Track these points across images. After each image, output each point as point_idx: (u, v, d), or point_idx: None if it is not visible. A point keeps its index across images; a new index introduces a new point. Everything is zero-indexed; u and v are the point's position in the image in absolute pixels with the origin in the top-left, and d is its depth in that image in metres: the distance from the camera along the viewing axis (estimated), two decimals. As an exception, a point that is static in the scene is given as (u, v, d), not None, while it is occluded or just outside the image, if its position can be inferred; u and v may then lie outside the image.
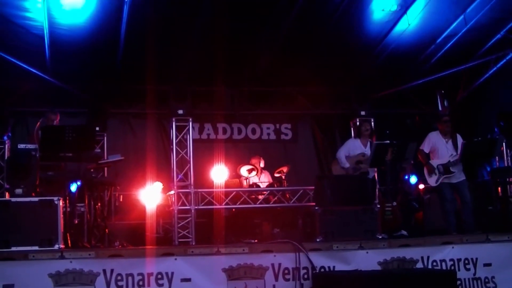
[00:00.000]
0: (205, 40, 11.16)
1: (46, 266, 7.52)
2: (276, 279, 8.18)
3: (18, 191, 9.00)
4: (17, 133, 12.50)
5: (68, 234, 8.79)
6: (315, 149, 14.56)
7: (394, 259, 8.57)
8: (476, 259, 8.78)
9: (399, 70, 13.22)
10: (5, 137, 11.83)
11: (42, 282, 7.44)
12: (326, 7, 10.87)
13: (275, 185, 12.22)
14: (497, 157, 12.52)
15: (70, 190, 9.44)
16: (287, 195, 11.73)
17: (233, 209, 11.83)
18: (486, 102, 13.47)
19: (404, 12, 11.22)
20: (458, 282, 8.42)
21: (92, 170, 10.28)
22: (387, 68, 12.96)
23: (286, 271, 8.23)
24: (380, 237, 9.44)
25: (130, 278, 7.72)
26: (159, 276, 7.81)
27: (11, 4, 10.01)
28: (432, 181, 10.53)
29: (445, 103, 14.06)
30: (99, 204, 10.12)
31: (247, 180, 12.20)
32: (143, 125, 13.37)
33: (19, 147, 10.11)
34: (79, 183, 9.62)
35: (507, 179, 11.93)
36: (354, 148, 10.76)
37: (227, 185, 12.13)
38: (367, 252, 8.55)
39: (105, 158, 11.27)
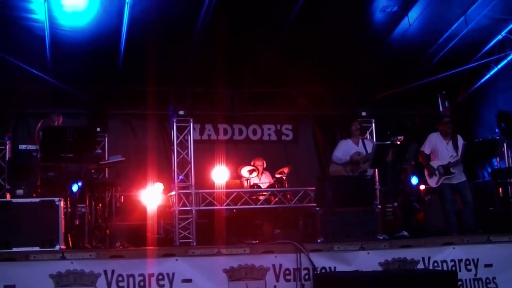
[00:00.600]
0: (205, 41, 11.17)
1: (47, 267, 7.52)
2: (277, 279, 8.18)
3: (19, 192, 8.99)
4: (18, 134, 12.50)
5: (69, 234, 8.79)
6: (316, 150, 14.55)
7: (395, 260, 8.57)
8: (477, 259, 8.77)
9: (400, 71, 13.24)
10: (6, 138, 11.83)
11: (43, 283, 7.44)
12: (326, 8, 10.88)
13: (276, 186, 12.21)
14: (498, 158, 12.54)
15: (71, 191, 9.43)
16: (288, 196, 11.72)
17: (234, 210, 11.82)
18: (487, 103, 13.47)
19: (405, 13, 11.23)
20: (459, 283, 8.42)
21: (93, 171, 10.28)
22: (388, 69, 12.97)
23: (287, 272, 8.23)
24: (381, 237, 9.43)
25: (131, 279, 7.72)
26: (160, 276, 7.81)
27: (13, 5, 10.02)
28: (433, 182, 10.52)
29: (446, 104, 14.06)
30: (100, 205, 10.12)
31: (248, 180, 12.20)
32: (144, 126, 13.38)
33: (20, 147, 10.09)
34: (80, 183, 9.60)
35: (508, 180, 11.93)
36: (347, 148, 10.69)
37: (228, 185, 12.12)
38: (368, 253, 8.54)
39: (106, 159, 11.26)
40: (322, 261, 8.35)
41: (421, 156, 10.67)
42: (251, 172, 12.20)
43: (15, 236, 8.05)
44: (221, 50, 11.22)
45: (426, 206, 11.97)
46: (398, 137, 10.40)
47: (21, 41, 10.92)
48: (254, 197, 11.76)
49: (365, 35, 11.90)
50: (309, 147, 14.59)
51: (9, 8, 10.04)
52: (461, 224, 10.25)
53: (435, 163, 10.50)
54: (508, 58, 12.50)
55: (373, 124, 12.44)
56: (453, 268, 8.66)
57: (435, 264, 8.66)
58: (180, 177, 11.34)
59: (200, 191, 11.39)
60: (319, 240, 9.14)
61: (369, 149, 10.63)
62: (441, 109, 14.06)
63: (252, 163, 12.52)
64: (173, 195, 11.39)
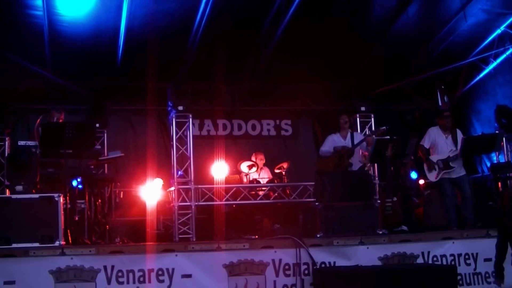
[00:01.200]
0: (205, 36, 11.16)
1: (47, 263, 7.53)
2: (277, 275, 8.19)
3: (19, 188, 8.98)
4: (18, 130, 12.50)
5: (68, 230, 8.78)
6: (315, 145, 14.52)
7: (395, 255, 8.59)
8: (477, 254, 8.79)
9: (399, 66, 13.23)
10: (5, 134, 11.84)
11: (43, 278, 7.45)
12: (325, 3, 10.87)
13: (275, 181, 12.22)
14: (497, 152, 12.55)
15: (71, 186, 9.44)
16: (288, 191, 11.74)
17: (234, 205, 11.84)
18: (486, 97, 13.46)
19: (404, 7, 11.22)
20: (459, 277, 8.45)
21: (92, 166, 10.27)
22: (387, 64, 12.97)
23: (286, 267, 8.24)
24: (380, 232, 9.45)
25: (131, 274, 7.73)
26: (160, 272, 7.82)
27: (11, 1, 10.01)
28: (432, 176, 10.52)
29: (445, 98, 14.07)
30: (99, 200, 10.12)
31: (247, 176, 12.21)
32: (143, 122, 13.37)
33: (19, 144, 10.07)
34: (79, 179, 9.61)
35: (507, 174, 11.94)
36: (334, 143, 10.63)
37: (227, 181, 12.14)
38: (367, 248, 8.56)
39: (106, 154, 11.25)
40: (321, 256, 8.36)
41: (421, 150, 10.67)
42: (250, 167, 12.21)
43: (14, 232, 8.04)
44: (221, 45, 11.22)
45: (426, 201, 11.99)
46: (381, 128, 10.37)
47: (20, 37, 10.90)
48: (253, 192, 11.78)
49: (364, 30, 11.89)
50: (308, 142, 14.59)
51: (7, 3, 10.03)
52: (460, 219, 10.26)
53: (434, 158, 10.50)
54: (507, 53, 12.49)
55: (372, 119, 12.44)
56: (453, 262, 8.68)
57: (435, 259, 8.68)
58: (180, 172, 11.35)
59: (199, 186, 11.40)
60: (318, 235, 9.15)
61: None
62: (440, 103, 14.07)
63: (252, 158, 12.53)
64: (172, 190, 11.40)
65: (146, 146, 12.88)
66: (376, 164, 11.75)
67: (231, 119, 14.03)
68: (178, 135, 11.51)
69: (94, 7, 10.29)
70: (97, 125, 11.65)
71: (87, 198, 10.00)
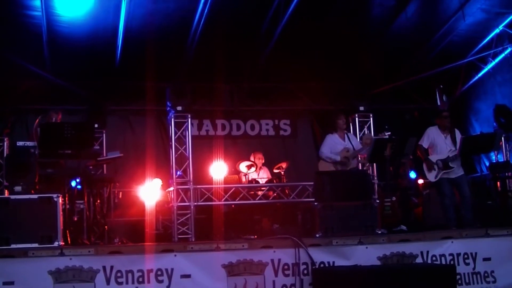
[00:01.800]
0: (204, 36, 11.17)
1: (45, 263, 7.51)
2: (276, 274, 8.17)
3: (17, 188, 8.97)
4: (16, 130, 12.50)
5: (67, 231, 8.77)
6: (314, 145, 14.54)
7: (394, 254, 8.56)
8: (476, 253, 8.77)
9: (398, 65, 13.24)
10: (4, 135, 11.84)
11: (42, 279, 7.43)
12: (324, 2, 10.87)
13: (274, 181, 12.22)
14: (496, 152, 12.56)
15: (70, 187, 9.43)
16: (287, 191, 11.75)
17: (233, 205, 11.84)
18: (485, 97, 13.48)
19: (403, 7, 11.22)
20: (458, 277, 8.42)
21: (91, 167, 10.26)
22: (386, 64, 12.98)
23: (285, 267, 8.22)
24: (379, 232, 9.44)
25: (130, 275, 7.71)
26: (159, 272, 7.80)
27: (10, 1, 10.01)
28: (431, 176, 10.51)
29: (444, 98, 14.08)
30: (98, 201, 10.10)
31: (246, 176, 12.21)
32: (142, 122, 13.38)
33: (18, 144, 10.09)
34: (78, 180, 9.60)
35: (506, 174, 11.95)
36: (334, 144, 10.67)
37: (226, 181, 12.15)
38: (366, 247, 8.53)
39: (104, 155, 11.25)
40: (320, 255, 8.34)
41: (419, 150, 10.65)
42: (249, 167, 12.21)
43: (13, 232, 8.02)
44: (219, 45, 11.22)
45: (425, 201, 11.98)
46: (386, 133, 10.39)
47: (18, 38, 10.90)
48: (252, 192, 11.78)
49: (363, 29, 11.90)
50: (307, 142, 14.60)
51: (6, 4, 10.03)
52: (459, 218, 10.26)
53: (433, 157, 10.49)
54: (506, 52, 12.51)
55: (371, 119, 12.44)
56: (452, 262, 8.65)
57: (434, 258, 8.65)
58: (179, 172, 11.36)
59: (198, 186, 11.41)
60: (317, 235, 9.14)
61: (355, 144, 10.68)
62: (439, 103, 14.08)
63: (252, 157, 12.52)
64: (171, 190, 11.41)
65: (145, 146, 12.89)
66: (375, 164, 11.76)
67: (230, 119, 14.04)
68: (177, 135, 11.52)
69: (92, 7, 10.28)
70: (96, 125, 11.70)
71: (86, 198, 9.99)
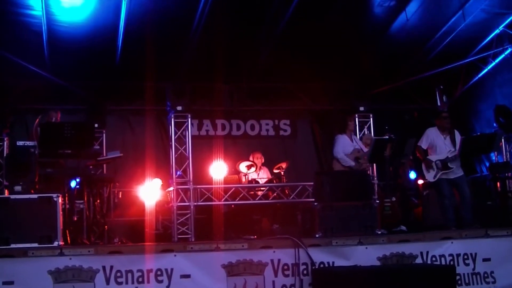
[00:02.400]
0: (204, 36, 11.15)
1: (45, 263, 7.51)
2: (276, 275, 8.17)
3: (17, 188, 8.97)
4: (16, 130, 12.49)
5: (67, 231, 8.78)
6: (314, 145, 14.56)
7: (394, 255, 8.56)
8: (475, 254, 8.77)
9: (398, 65, 13.23)
10: (4, 134, 11.84)
11: (42, 279, 7.43)
12: (324, 2, 10.87)
13: (274, 181, 12.21)
14: (495, 152, 12.55)
15: (69, 187, 9.43)
16: (286, 191, 11.74)
17: (232, 205, 11.84)
18: (485, 97, 13.47)
19: (403, 7, 11.22)
20: (458, 277, 8.43)
21: (91, 166, 10.28)
22: (386, 64, 12.97)
23: (285, 267, 8.23)
24: (379, 232, 9.44)
25: (129, 275, 7.71)
26: (159, 272, 7.80)
27: (10, 1, 10.00)
28: (430, 176, 10.51)
29: (444, 98, 14.07)
30: (98, 201, 10.11)
31: (246, 176, 12.20)
32: (142, 122, 13.37)
33: (18, 144, 10.09)
34: (78, 179, 9.60)
35: (506, 174, 11.95)
36: (345, 145, 10.71)
37: (226, 181, 12.15)
38: (366, 248, 8.54)
39: (104, 154, 11.26)
40: (320, 256, 8.35)
41: (419, 150, 10.65)
42: (249, 167, 12.20)
43: (13, 232, 8.03)
44: (219, 45, 11.22)
45: (424, 201, 11.98)
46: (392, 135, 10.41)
47: (18, 37, 10.90)
48: (252, 192, 11.77)
49: (363, 30, 11.89)
50: (307, 142, 14.59)
51: (6, 4, 10.02)
52: (459, 219, 10.26)
53: (433, 158, 10.49)
54: (506, 52, 12.50)
55: (371, 119, 12.44)
56: (451, 262, 8.65)
57: (433, 259, 8.66)
58: (178, 172, 11.36)
59: (198, 186, 11.41)
60: (317, 235, 9.15)
61: (360, 145, 10.71)
62: (439, 103, 14.08)
63: (251, 158, 12.52)
64: (171, 190, 11.41)
65: (144, 146, 12.88)
66: (375, 164, 11.76)
67: (230, 119, 14.03)
68: (177, 135, 11.52)
69: (92, 6, 10.27)
70: (96, 125, 11.69)
71: (85, 198, 10.00)
